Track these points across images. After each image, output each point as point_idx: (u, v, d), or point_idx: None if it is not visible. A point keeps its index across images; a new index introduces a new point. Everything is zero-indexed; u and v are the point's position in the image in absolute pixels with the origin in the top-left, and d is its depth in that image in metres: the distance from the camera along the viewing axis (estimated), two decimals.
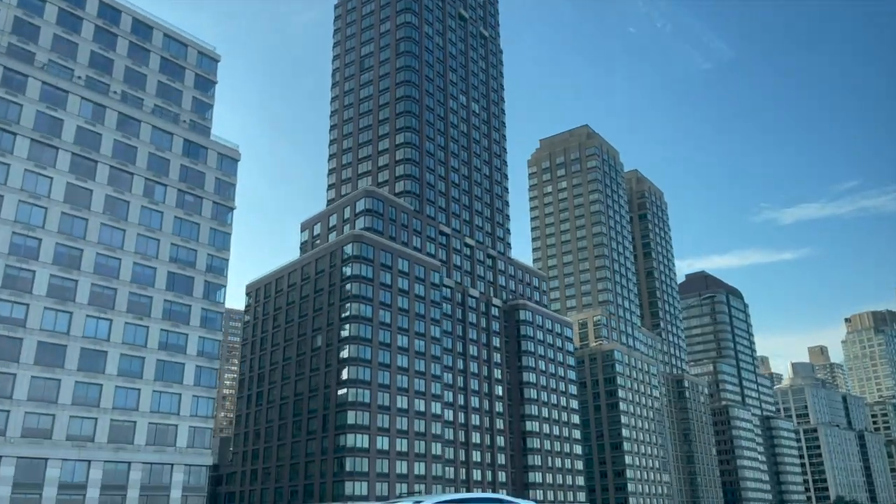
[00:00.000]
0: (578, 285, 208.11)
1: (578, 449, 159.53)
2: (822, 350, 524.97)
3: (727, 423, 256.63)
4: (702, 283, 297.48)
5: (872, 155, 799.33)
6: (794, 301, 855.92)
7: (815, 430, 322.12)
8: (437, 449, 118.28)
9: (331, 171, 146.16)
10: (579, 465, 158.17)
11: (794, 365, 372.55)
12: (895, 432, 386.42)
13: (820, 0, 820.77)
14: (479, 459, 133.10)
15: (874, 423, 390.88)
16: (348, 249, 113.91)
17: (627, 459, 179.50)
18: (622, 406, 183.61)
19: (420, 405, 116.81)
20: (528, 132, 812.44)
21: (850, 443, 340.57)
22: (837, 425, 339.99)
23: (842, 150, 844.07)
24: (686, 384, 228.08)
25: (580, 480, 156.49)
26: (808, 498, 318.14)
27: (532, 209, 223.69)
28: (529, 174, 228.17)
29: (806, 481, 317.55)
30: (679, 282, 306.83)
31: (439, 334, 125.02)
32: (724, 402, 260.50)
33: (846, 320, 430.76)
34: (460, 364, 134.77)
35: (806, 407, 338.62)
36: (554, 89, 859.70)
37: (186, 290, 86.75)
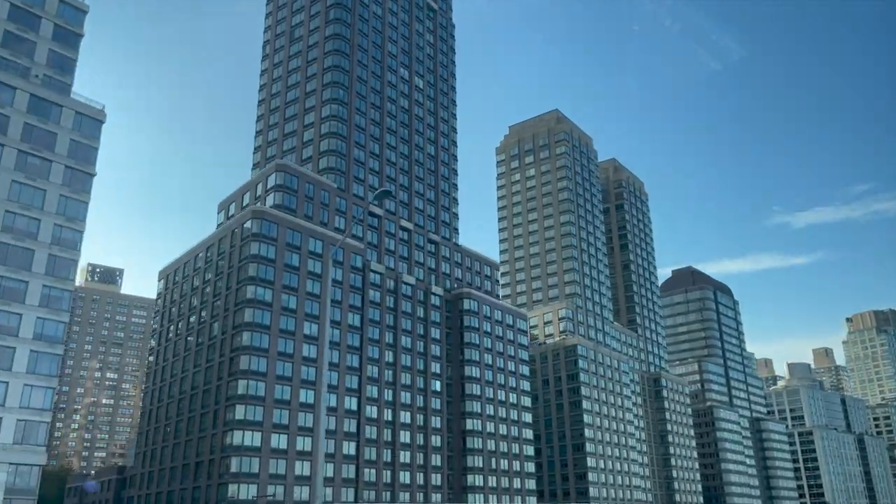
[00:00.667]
0: (545, 277, 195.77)
1: (530, 450, 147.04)
2: (827, 352, 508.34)
3: (712, 425, 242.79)
4: (688, 279, 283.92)
5: (886, 157, 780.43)
6: (806, 305, 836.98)
7: (810, 433, 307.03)
8: (349, 448, 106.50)
9: (256, 149, 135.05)
10: (530, 467, 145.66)
11: (790, 365, 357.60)
12: None
13: (839, 4, 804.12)
14: (407, 461, 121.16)
15: (876, 426, 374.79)
16: (249, 227, 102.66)
17: (590, 462, 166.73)
18: (585, 405, 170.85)
19: (331, 400, 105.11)
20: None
21: (848, 446, 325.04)
22: (835, 428, 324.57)
23: (855, 153, 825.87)
24: (664, 383, 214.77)
25: (530, 484, 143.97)
26: None
27: (500, 198, 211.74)
28: (498, 162, 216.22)
29: (801, 486, 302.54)
30: (665, 278, 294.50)
31: (359, 322, 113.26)
32: (709, 403, 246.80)
33: (847, 320, 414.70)
34: (389, 356, 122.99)
35: (802, 409, 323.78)
36: (556, 98, 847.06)
37: (23, 264, 75.73)
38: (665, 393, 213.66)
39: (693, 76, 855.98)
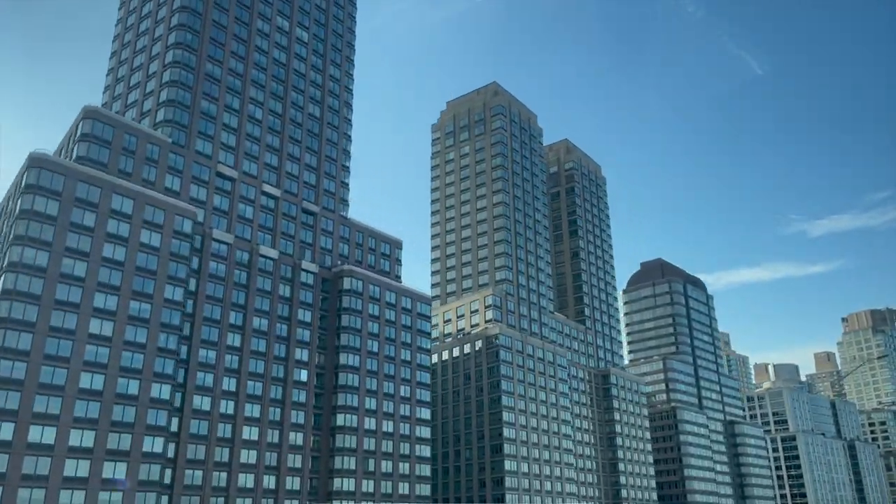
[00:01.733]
0: (476, 263, 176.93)
1: (425, 451, 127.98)
2: (829, 357, 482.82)
3: (674, 428, 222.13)
4: (658, 271, 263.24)
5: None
6: (819, 312, 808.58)
7: (793, 438, 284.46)
8: (156, 446, 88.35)
9: (104, 105, 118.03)
10: (423, 470, 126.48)
11: (776, 367, 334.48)
12: (895, 442, 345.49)
13: (853, 9, 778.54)
14: (252, 461, 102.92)
15: (871, 431, 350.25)
16: (25, 178, 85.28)
17: (509, 465, 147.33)
18: (506, 401, 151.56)
19: (129, 387, 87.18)
20: None
21: (837, 453, 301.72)
22: (823, 433, 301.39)
23: (873, 161, 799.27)
24: (614, 381, 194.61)
25: (422, 489, 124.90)
26: None
27: (433, 179, 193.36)
28: (433, 140, 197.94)
29: (783, 496, 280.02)
30: (634, 271, 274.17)
31: (182, 297, 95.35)
32: (673, 404, 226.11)
33: (843, 320, 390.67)
34: (234, 340, 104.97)
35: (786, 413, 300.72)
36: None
37: None
38: (615, 391, 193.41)
39: (714, 85, 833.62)
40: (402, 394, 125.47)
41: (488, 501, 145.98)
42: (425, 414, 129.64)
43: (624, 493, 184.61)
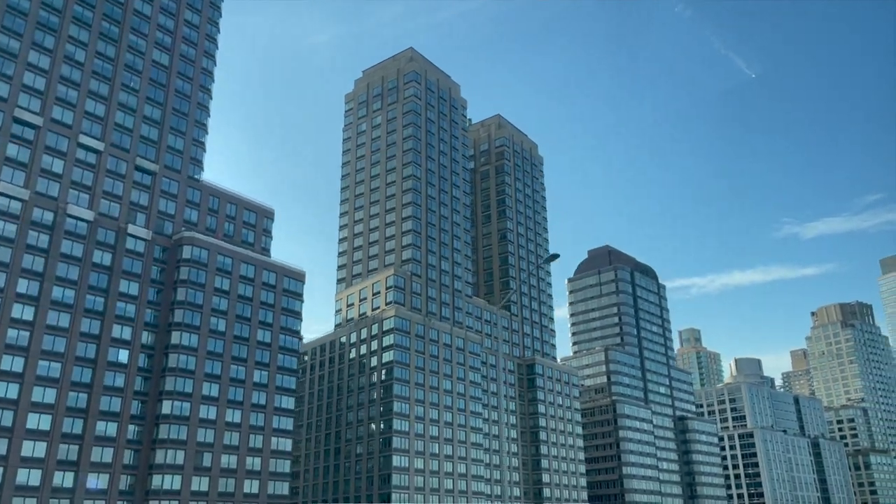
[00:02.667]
0: (383, 242, 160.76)
1: (285, 444, 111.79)
2: (806, 354, 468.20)
3: (614, 423, 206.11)
4: (605, 258, 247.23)
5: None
6: (806, 314, 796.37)
7: (751, 435, 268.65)
8: None
9: None
10: (283, 466, 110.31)
11: (737, 361, 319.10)
12: (864, 441, 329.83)
13: (842, 12, 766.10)
14: (41, 454, 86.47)
15: (840, 429, 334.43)
16: None
17: (397, 461, 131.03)
18: (398, 390, 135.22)
19: None
20: None
21: (800, 451, 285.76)
22: (784, 430, 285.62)
23: (865, 163, 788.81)
24: (540, 371, 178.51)
25: (279, 488, 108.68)
26: None
27: (344, 153, 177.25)
28: (345, 112, 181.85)
29: (740, 495, 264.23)
30: (582, 259, 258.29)
31: None
32: (613, 398, 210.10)
33: (812, 314, 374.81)
34: (24, 312, 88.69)
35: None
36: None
37: None
38: (541, 382, 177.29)
39: (701, 86, 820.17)
40: (256, 380, 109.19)
41: (375, 501, 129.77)
42: (287, 403, 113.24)
43: (547, 492, 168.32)
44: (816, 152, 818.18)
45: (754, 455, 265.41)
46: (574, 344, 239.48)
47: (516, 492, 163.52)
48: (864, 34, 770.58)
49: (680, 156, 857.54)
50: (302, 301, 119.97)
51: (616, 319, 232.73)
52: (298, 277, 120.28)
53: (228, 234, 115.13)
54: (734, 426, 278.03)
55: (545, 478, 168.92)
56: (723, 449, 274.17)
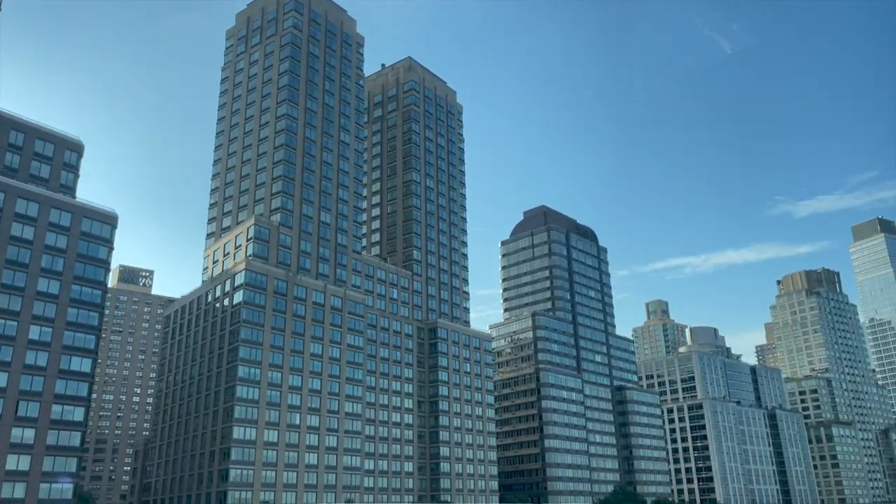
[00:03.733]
0: (253, 191, 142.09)
1: (76, 414, 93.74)
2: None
3: (536, 392, 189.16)
4: (540, 219, 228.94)
5: (890, 145, 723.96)
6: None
7: (700, 406, 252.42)
8: None
9: None
10: (71, 439, 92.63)
11: (693, 330, 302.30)
12: (827, 412, 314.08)
13: None
14: None
15: (802, 401, 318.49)
16: None
17: (238, 433, 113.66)
18: (245, 353, 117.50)
19: None
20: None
21: (755, 423, 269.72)
22: (738, 402, 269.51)
23: (857, 141, 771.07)
24: (443, 335, 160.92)
25: (67, 465, 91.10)
26: (681, 490, 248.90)
27: (221, 94, 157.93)
28: (225, 49, 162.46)
29: (688, 469, 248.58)
30: (517, 221, 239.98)
31: None
32: (539, 365, 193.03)
33: (777, 282, 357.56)
34: None
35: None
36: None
37: None
38: (444, 348, 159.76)
39: (695, 64, 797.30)
40: (33, 336, 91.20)
41: (215, 479, 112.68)
42: (82, 365, 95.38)
43: (445, 466, 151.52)
44: (809, 130, 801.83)
45: (703, 427, 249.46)
46: (505, 311, 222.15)
47: (408, 467, 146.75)
48: (857, 9, 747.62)
49: (670, 135, 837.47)
50: (109, 247, 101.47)
51: (548, 283, 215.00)
52: (104, 220, 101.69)
53: (12, 169, 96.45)
54: (685, 397, 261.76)
55: (444, 451, 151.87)
56: (672, 421, 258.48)
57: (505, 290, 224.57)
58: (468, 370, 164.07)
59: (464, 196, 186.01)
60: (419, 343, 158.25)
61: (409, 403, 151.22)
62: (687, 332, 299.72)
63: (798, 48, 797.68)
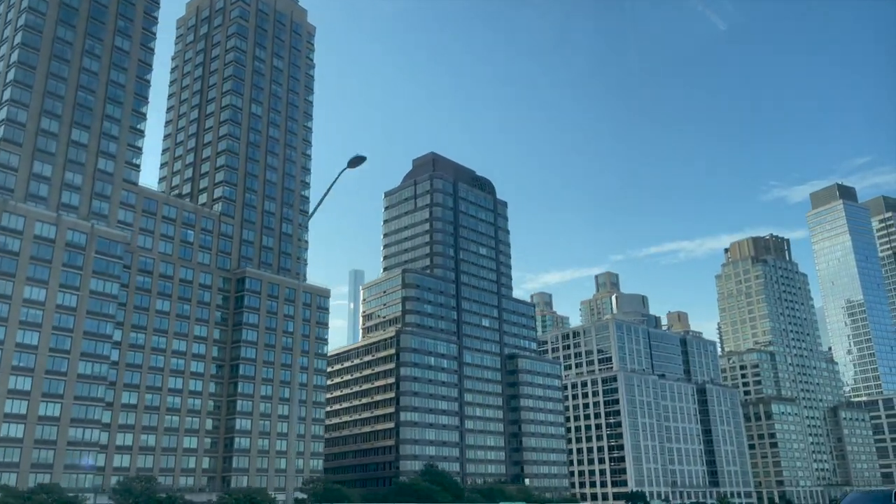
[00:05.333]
0: None
1: None
2: None
3: (395, 359, 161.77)
4: (428, 167, 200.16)
5: (884, 130, 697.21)
6: None
7: (614, 379, 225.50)
8: None
9: None
10: None
11: (620, 297, 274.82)
12: (768, 388, 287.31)
13: None
14: None
15: (743, 377, 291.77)
16: None
17: None
18: None
19: None
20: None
21: (682, 398, 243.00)
22: (662, 375, 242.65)
23: (852, 126, 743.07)
24: (251, 287, 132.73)
25: None
26: (592, 472, 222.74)
27: (170, 83, 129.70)
28: (176, 39, 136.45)
29: (600, 448, 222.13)
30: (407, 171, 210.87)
31: None
32: (406, 328, 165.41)
33: (725, 251, 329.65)
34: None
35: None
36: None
37: None
38: (251, 301, 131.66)
39: (687, 43, 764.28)
40: None
41: None
42: None
43: (243, 442, 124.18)
44: (803, 115, 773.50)
45: (617, 402, 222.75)
46: (385, 270, 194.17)
47: (194, 443, 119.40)
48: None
49: (661, 114, 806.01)
50: None
51: (428, 238, 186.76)
52: None
53: None
54: (601, 369, 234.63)
55: (239, 424, 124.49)
56: (585, 396, 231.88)
57: (385, 246, 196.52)
58: (289, 330, 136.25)
59: (309, 130, 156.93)
60: (225, 297, 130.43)
61: (202, 368, 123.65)
62: (613, 299, 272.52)
63: (791, 30, 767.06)
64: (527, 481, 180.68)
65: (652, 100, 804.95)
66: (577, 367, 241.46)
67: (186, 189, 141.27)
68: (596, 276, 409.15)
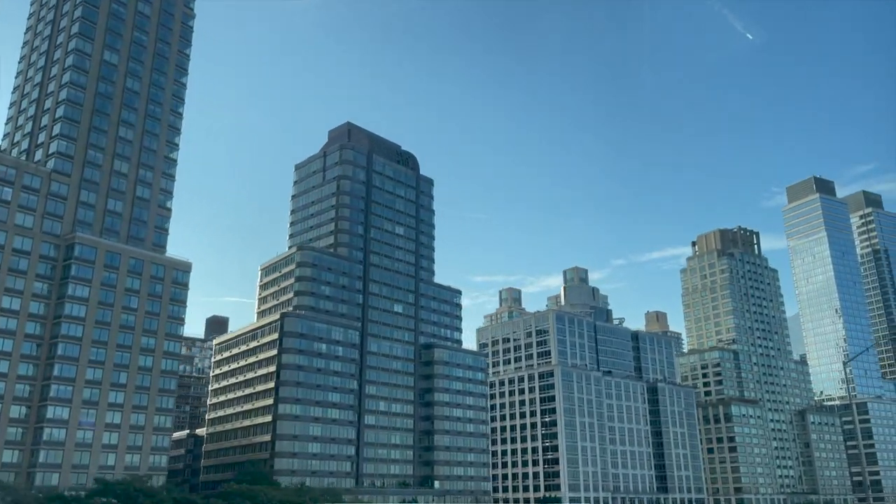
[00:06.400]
0: None
1: None
2: None
3: (278, 344, 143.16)
4: (343, 139, 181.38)
5: (886, 138, 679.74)
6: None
7: (551, 374, 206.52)
8: None
9: None
10: None
11: (567, 288, 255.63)
12: (730, 389, 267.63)
13: None
14: None
15: (704, 376, 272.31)
16: None
17: None
18: None
19: None
20: None
21: (632, 398, 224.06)
22: (609, 371, 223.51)
23: (854, 134, 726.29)
24: (85, 255, 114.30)
25: None
26: (526, 475, 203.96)
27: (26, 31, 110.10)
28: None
29: (535, 449, 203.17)
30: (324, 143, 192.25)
31: None
32: (296, 310, 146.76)
33: (692, 244, 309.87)
34: None
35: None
36: None
37: None
38: (82, 272, 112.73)
39: (701, 57, 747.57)
40: None
41: None
42: None
43: (56, 433, 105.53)
44: (806, 123, 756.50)
45: (554, 399, 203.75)
46: (290, 247, 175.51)
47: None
48: (859, 6, 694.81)
49: (666, 120, 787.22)
50: None
51: (333, 214, 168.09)
52: None
53: None
54: (539, 363, 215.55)
55: (53, 412, 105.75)
56: (522, 392, 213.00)
57: (292, 223, 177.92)
58: (132, 306, 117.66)
59: (182, 86, 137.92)
60: (51, 266, 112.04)
61: (12, 346, 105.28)
62: (561, 290, 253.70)
63: (796, 38, 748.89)
64: (437, 484, 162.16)
65: (649, 101, 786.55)
66: (515, 361, 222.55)
67: (26, 145, 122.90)
68: (564, 271, 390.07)
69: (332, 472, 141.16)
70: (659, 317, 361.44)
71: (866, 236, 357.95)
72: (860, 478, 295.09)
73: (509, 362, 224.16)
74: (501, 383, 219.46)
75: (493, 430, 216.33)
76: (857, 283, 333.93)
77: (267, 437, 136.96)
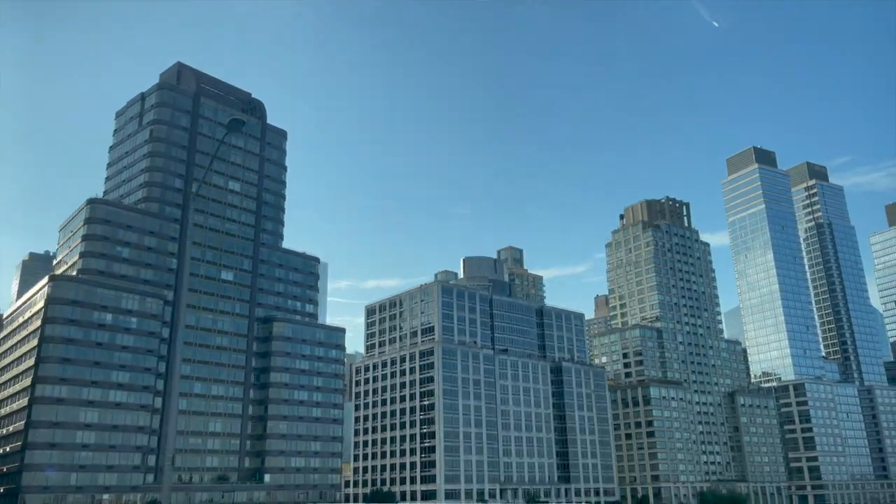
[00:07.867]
0: None
1: None
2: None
3: (42, 314, 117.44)
4: (173, 81, 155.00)
5: (865, 130, 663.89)
6: None
7: (431, 353, 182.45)
8: None
9: None
10: None
11: (466, 261, 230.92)
12: (653, 370, 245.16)
13: None
14: None
15: (625, 356, 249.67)
16: None
17: None
18: None
19: None
20: None
21: (531, 378, 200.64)
22: (504, 350, 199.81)
23: (834, 126, 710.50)
24: None
25: None
26: (403, 465, 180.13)
27: None
28: None
29: (413, 436, 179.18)
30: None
31: None
32: (65, 277, 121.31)
33: (620, 217, 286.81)
34: None
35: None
36: None
37: None
38: None
39: (681, 42, 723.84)
40: None
41: None
42: None
43: None
44: (785, 114, 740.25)
45: (433, 381, 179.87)
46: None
47: None
48: None
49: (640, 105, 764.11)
50: None
51: (145, 164, 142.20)
52: None
53: None
54: (423, 341, 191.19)
55: None
56: (403, 374, 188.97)
57: (107, 178, 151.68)
58: None
59: None
60: None
61: None
62: (460, 262, 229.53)
63: (776, 25, 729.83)
64: (267, 477, 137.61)
65: (624, 101, 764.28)
66: (400, 340, 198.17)
67: None
68: (499, 251, 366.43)
69: (111, 467, 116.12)
70: (609, 301, 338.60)
71: (809, 210, 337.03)
72: (799, 464, 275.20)
73: (395, 341, 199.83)
74: (384, 364, 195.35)
75: (374, 417, 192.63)
76: (798, 258, 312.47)
77: (20, 425, 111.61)
